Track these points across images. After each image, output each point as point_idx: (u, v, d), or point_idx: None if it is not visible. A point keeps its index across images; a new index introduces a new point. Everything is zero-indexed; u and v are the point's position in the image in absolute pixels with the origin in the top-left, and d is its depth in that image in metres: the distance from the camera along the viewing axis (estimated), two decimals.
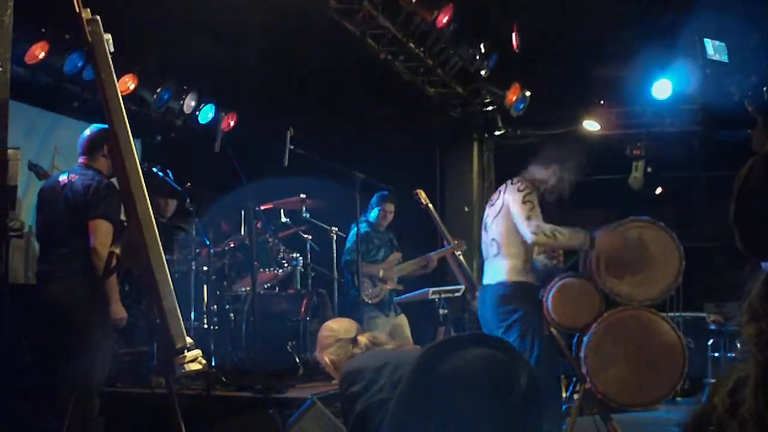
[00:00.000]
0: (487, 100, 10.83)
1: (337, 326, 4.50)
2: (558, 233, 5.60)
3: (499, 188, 6.03)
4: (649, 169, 10.97)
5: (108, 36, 3.72)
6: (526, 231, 5.61)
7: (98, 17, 3.71)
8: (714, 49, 8.60)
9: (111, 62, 3.70)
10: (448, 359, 3.56)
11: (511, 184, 5.85)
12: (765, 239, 1.77)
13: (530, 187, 5.75)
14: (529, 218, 5.60)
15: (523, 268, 5.73)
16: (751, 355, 1.59)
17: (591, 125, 11.00)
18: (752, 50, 8.22)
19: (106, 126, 4.23)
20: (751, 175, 1.76)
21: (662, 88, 10.02)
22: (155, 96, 9.25)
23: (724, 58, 8.62)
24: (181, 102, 9.58)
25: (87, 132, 5.56)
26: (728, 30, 8.39)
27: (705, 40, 8.61)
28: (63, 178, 5.44)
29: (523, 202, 5.66)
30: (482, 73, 9.79)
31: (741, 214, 1.78)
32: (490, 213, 5.97)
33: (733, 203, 1.78)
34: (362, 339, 4.34)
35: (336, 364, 4.30)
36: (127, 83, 8.73)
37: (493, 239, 5.85)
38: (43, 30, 7.77)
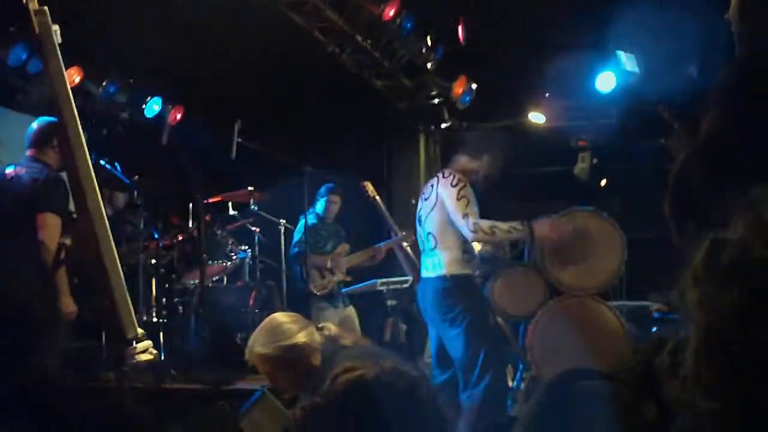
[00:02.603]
0: (434, 93, 10.86)
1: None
2: (497, 229, 5.59)
3: (430, 181, 6.01)
4: (595, 161, 11.09)
5: (56, 27, 3.70)
6: (465, 229, 5.60)
7: (46, 8, 3.69)
8: (626, 59, 8.77)
9: (59, 54, 3.69)
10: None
11: (443, 177, 5.83)
12: (700, 235, 1.83)
13: (463, 181, 5.72)
14: (466, 215, 5.59)
15: (461, 259, 5.74)
16: (693, 319, 1.66)
17: (537, 117, 11.10)
18: (666, 58, 8.34)
19: (55, 119, 4.22)
20: (684, 171, 1.81)
21: (606, 81, 10.12)
22: (101, 89, 9.16)
23: (636, 69, 8.79)
24: (127, 95, 9.51)
25: (35, 125, 5.55)
26: (643, 38, 8.52)
27: (617, 51, 8.77)
28: (10, 170, 5.43)
29: (458, 199, 5.63)
30: (429, 65, 9.83)
31: (676, 211, 1.83)
32: (424, 207, 5.94)
33: (668, 200, 1.82)
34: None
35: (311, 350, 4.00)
36: (73, 76, 8.64)
37: (429, 233, 5.84)
38: None
